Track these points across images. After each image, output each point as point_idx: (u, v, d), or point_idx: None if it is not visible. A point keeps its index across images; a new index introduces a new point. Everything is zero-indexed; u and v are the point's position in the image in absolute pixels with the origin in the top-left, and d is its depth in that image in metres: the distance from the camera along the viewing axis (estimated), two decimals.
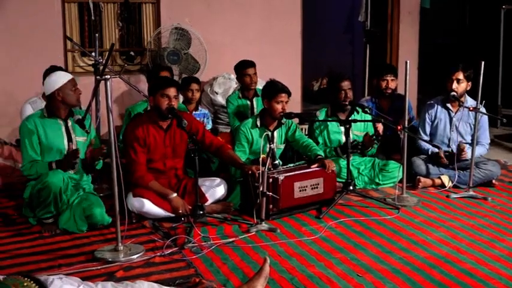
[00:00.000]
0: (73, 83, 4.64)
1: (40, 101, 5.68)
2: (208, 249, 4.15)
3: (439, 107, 5.91)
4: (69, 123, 4.70)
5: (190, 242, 4.25)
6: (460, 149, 5.62)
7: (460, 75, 5.67)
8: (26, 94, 5.97)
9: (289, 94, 5.32)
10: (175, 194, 4.74)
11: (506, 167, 6.43)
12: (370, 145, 5.61)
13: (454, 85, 5.69)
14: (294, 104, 7.79)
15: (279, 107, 5.27)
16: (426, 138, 5.86)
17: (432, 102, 5.98)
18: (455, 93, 5.68)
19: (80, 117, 4.59)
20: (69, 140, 4.68)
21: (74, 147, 4.63)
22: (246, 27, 7.76)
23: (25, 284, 2.64)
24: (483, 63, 5.16)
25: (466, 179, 5.53)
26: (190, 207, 4.68)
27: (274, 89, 5.31)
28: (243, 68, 6.37)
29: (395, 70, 6.54)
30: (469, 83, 5.74)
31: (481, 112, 5.42)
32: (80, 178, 4.78)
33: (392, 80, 6.34)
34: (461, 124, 5.83)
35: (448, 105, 5.86)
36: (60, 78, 4.62)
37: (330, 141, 5.76)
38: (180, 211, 4.66)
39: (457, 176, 5.62)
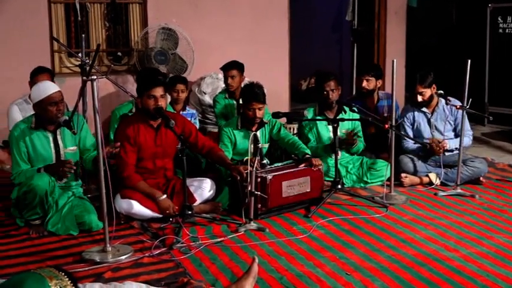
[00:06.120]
0: (53, 99, 4.48)
1: (26, 102, 5.66)
2: (197, 249, 4.15)
3: (415, 111, 5.95)
4: (58, 134, 4.66)
5: (179, 242, 4.23)
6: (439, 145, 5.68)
7: (420, 88, 5.76)
8: (13, 95, 5.93)
9: (262, 102, 5.28)
10: (164, 196, 4.72)
11: (493, 165, 6.46)
12: (352, 142, 5.61)
13: (419, 98, 5.79)
14: (282, 103, 7.84)
15: (250, 113, 5.26)
16: (410, 138, 5.88)
17: (408, 106, 6.05)
18: (422, 102, 5.79)
19: (67, 118, 4.56)
20: (57, 152, 4.64)
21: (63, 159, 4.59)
22: (234, 27, 7.76)
23: (59, 277, 2.63)
24: (469, 61, 5.19)
25: (454, 176, 5.56)
26: (177, 207, 4.67)
27: (247, 96, 5.31)
28: (225, 70, 6.40)
29: (374, 70, 6.49)
30: (434, 87, 5.80)
31: (468, 110, 5.43)
32: (68, 182, 4.76)
33: (368, 80, 6.33)
34: (440, 123, 5.87)
35: (423, 108, 5.90)
36: (40, 91, 4.52)
37: (320, 137, 5.78)
38: (168, 212, 4.66)
39: (443, 173, 5.65)
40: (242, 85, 6.23)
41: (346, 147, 5.71)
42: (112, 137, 5.39)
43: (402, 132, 5.86)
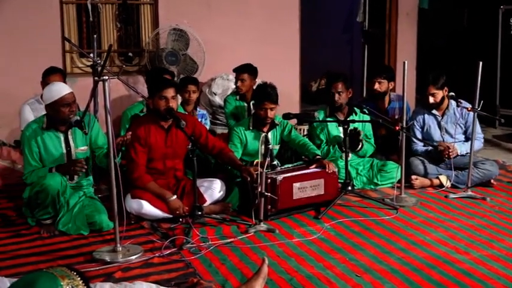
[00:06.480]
0: (66, 101, 4.50)
1: (38, 102, 5.68)
2: (207, 249, 4.16)
3: (426, 113, 5.92)
4: (70, 134, 4.67)
5: (189, 242, 4.24)
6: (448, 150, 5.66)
7: (432, 90, 5.72)
8: (25, 95, 5.96)
9: (274, 102, 5.29)
10: (174, 197, 4.74)
11: (504, 167, 6.43)
12: (357, 143, 5.55)
13: (431, 100, 5.77)
14: (293, 104, 7.82)
15: (261, 113, 5.27)
16: (420, 140, 5.86)
17: (418, 109, 6.03)
18: (433, 104, 5.77)
19: (78, 118, 4.58)
20: (69, 152, 4.65)
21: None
22: (245, 28, 7.76)
23: (71, 277, 2.64)
24: (481, 63, 5.17)
25: (465, 178, 5.54)
26: (187, 208, 4.68)
27: (259, 96, 5.32)
28: (236, 72, 6.41)
29: (386, 72, 6.44)
30: (446, 89, 5.77)
31: (479, 112, 5.40)
32: (80, 181, 4.78)
33: (380, 82, 6.29)
34: (450, 126, 5.85)
35: (434, 111, 5.88)
36: (53, 93, 4.53)
37: (330, 139, 5.76)
38: (178, 213, 4.67)
39: (453, 175, 5.63)
40: (254, 88, 6.24)
41: (352, 147, 5.61)
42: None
43: (412, 134, 5.84)
